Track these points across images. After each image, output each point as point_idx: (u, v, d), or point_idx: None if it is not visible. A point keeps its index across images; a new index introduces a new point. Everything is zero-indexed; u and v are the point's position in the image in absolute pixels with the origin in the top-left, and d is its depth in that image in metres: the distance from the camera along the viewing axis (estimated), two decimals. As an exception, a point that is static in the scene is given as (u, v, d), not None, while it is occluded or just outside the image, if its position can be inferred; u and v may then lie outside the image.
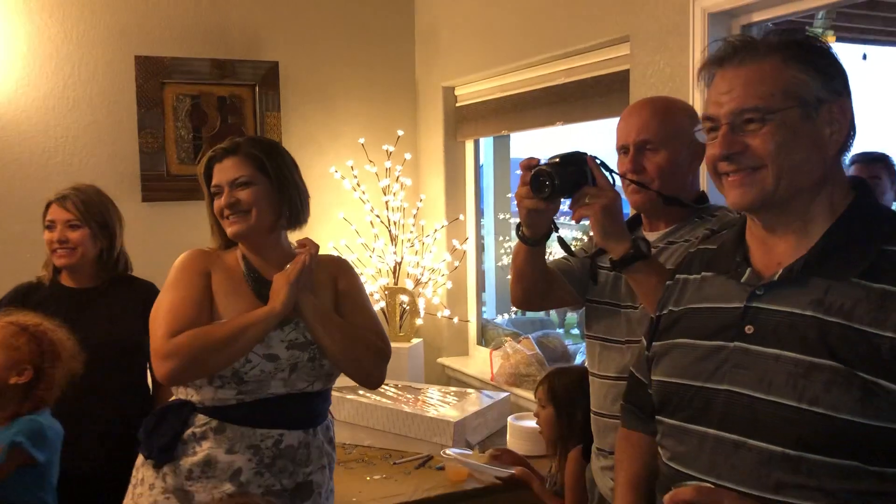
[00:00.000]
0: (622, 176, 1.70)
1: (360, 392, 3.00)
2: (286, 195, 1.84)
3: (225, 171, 1.82)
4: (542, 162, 1.55)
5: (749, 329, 1.14)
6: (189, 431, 1.80)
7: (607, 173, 1.57)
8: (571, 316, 6.04)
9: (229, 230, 1.83)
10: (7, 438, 1.83)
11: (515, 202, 1.62)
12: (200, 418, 1.80)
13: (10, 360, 1.90)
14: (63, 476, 2.06)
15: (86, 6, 3.42)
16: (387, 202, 3.72)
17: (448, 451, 2.63)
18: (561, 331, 4.44)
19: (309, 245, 1.84)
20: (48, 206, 2.30)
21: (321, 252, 1.93)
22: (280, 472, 1.78)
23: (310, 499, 1.84)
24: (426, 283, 3.72)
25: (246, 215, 1.81)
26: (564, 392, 2.30)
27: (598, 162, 1.57)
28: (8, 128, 3.34)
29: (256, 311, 1.77)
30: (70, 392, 2.02)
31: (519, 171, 1.58)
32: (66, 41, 3.40)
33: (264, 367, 1.76)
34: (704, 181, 2.24)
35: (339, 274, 1.94)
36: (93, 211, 2.29)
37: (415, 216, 3.78)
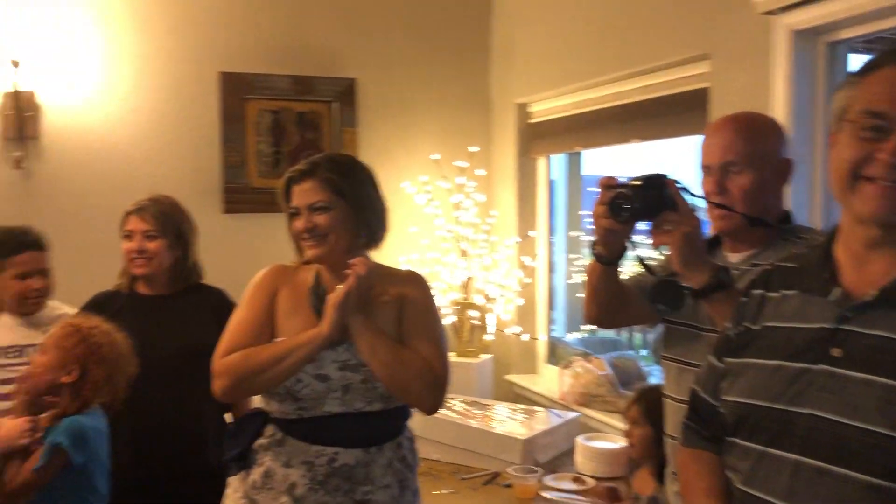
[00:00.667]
0: (705, 199, 1.66)
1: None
2: (363, 218, 1.85)
3: (303, 194, 1.82)
4: (622, 181, 1.53)
5: (837, 352, 1.10)
6: (259, 442, 1.84)
7: (689, 197, 1.54)
8: (637, 337, 5.92)
9: (308, 253, 1.85)
10: (52, 439, 1.87)
11: (592, 220, 1.59)
12: (269, 429, 1.84)
13: (60, 360, 1.97)
14: (135, 477, 2.15)
15: (173, 23, 3.56)
16: (457, 217, 3.74)
17: (548, 495, 2.52)
18: (633, 352, 4.37)
19: (358, 266, 1.77)
20: (126, 216, 2.37)
21: (392, 265, 1.95)
22: (335, 489, 1.78)
23: None
24: (496, 299, 3.72)
25: (324, 240, 1.82)
26: (662, 411, 2.22)
27: (680, 186, 1.54)
28: (98, 140, 3.49)
29: (305, 334, 1.78)
30: (144, 396, 2.08)
31: (591, 189, 1.56)
32: (155, 57, 3.54)
33: (316, 386, 1.78)
34: (789, 200, 2.18)
35: (407, 291, 1.89)
36: (169, 222, 2.35)
37: (486, 232, 3.79)
